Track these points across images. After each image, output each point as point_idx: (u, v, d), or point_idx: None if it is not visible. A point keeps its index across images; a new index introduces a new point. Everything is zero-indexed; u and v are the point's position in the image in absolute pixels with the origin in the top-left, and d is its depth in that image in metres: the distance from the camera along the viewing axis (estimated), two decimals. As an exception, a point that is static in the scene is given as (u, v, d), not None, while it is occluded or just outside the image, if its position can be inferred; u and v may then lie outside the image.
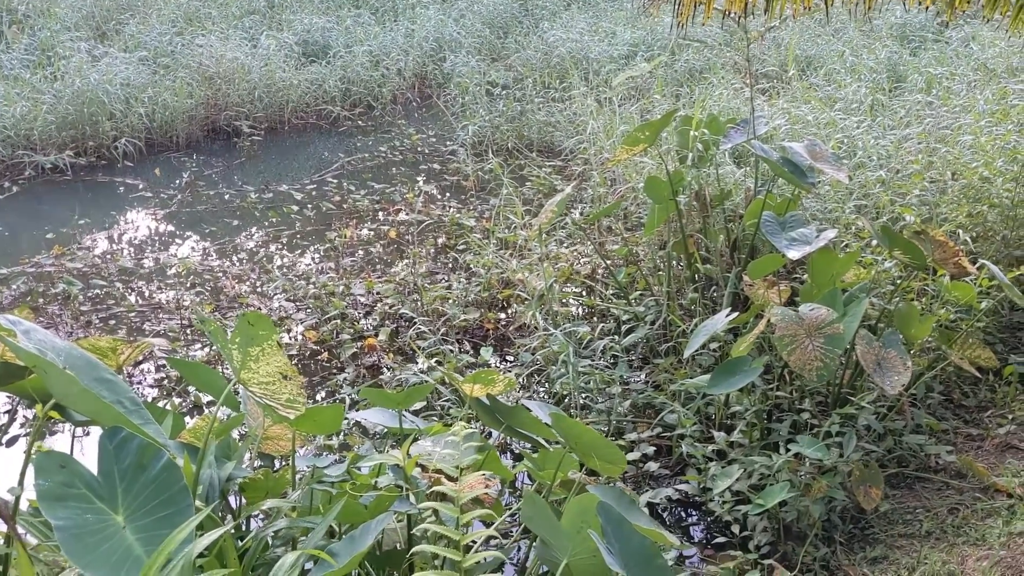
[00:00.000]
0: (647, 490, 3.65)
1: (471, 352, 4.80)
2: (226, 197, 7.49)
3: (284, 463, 3.17)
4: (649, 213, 4.79)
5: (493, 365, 4.77)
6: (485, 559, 2.11)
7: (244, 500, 2.76)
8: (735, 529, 3.39)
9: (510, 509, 2.90)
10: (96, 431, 3.11)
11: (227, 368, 3.97)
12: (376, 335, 4.98)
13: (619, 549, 2.09)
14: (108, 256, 6.30)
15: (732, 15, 4.34)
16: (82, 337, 4.17)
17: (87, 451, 4.01)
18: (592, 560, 2.10)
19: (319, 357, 4.92)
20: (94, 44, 9.65)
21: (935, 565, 3.04)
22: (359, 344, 4.92)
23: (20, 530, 2.19)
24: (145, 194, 7.57)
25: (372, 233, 6.60)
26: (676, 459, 3.89)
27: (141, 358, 4.87)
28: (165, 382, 4.72)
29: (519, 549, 3.29)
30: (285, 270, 6.01)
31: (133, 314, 5.43)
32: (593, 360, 4.43)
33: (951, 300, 3.99)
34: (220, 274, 5.99)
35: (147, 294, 5.77)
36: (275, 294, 5.62)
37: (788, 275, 4.60)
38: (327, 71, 9.84)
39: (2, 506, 2.03)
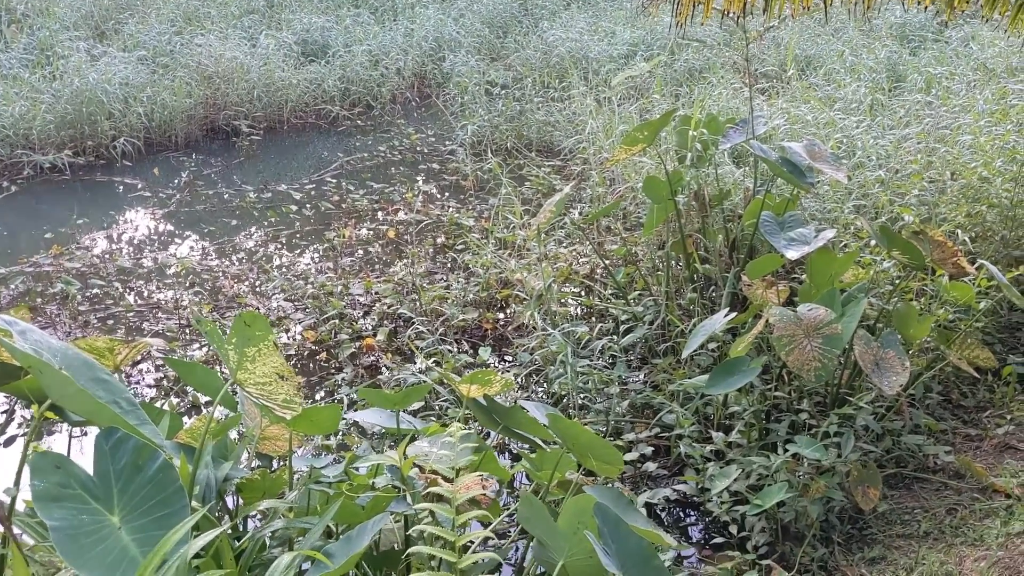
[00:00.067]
0: (645, 490, 3.65)
1: (469, 352, 4.80)
2: (225, 197, 7.49)
3: (282, 463, 3.16)
4: (648, 213, 4.79)
5: (491, 365, 4.77)
6: (481, 560, 2.11)
7: (241, 500, 2.76)
8: (733, 529, 3.38)
9: (508, 509, 2.90)
10: (94, 431, 3.11)
11: (225, 368, 3.98)
12: (374, 335, 4.98)
13: (616, 550, 2.09)
14: (106, 256, 6.29)
15: (731, 15, 4.33)
16: (80, 337, 4.17)
17: (86, 451, 4.01)
18: (589, 561, 2.10)
19: (317, 357, 4.91)
20: (93, 43, 9.65)
21: (933, 565, 3.03)
22: (357, 344, 4.91)
23: (16, 531, 2.19)
24: (144, 194, 7.57)
25: (371, 233, 6.60)
26: (674, 459, 3.89)
27: (139, 358, 4.86)
28: (164, 382, 4.71)
29: (517, 549, 3.28)
30: (284, 270, 6.01)
31: (131, 314, 5.43)
32: (591, 360, 4.42)
33: (950, 300, 3.99)
34: (219, 274, 5.99)
35: (146, 294, 5.77)
36: (273, 294, 5.62)
37: (787, 275, 4.60)
38: (326, 71, 9.84)
39: (-2, 507, 2.03)
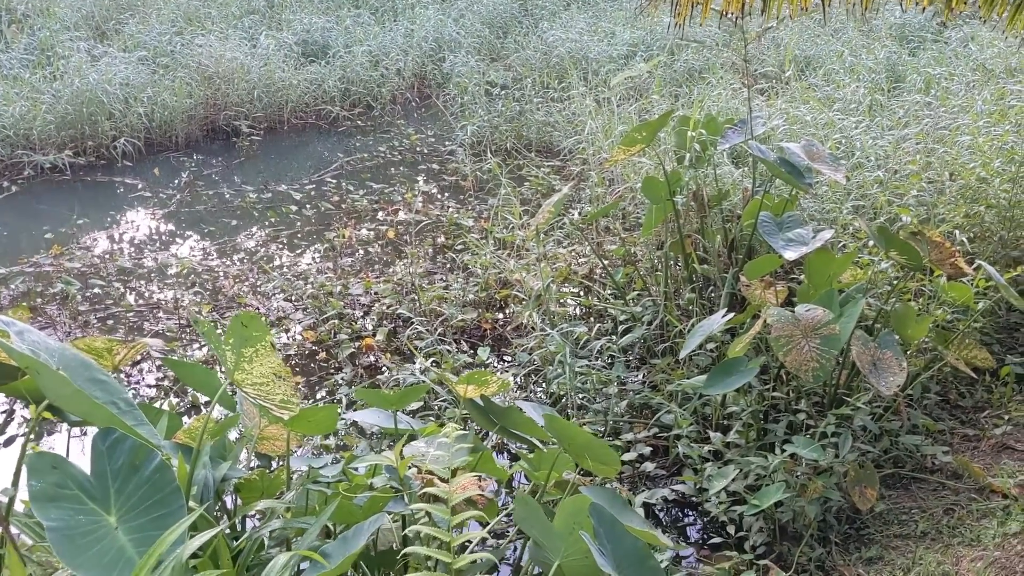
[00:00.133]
0: (643, 490, 3.65)
1: (469, 352, 4.80)
2: (225, 197, 7.50)
3: (281, 463, 3.17)
4: (646, 213, 4.79)
5: (490, 365, 4.78)
6: (477, 560, 2.11)
7: (240, 500, 2.77)
8: (731, 529, 3.39)
9: (507, 509, 2.90)
10: (94, 431, 3.12)
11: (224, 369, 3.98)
12: (374, 335, 4.99)
13: (611, 550, 2.09)
14: (106, 256, 6.30)
15: (729, 15, 4.34)
16: (80, 337, 4.18)
17: (86, 451, 4.01)
18: (584, 561, 2.11)
19: (317, 357, 4.92)
20: (93, 44, 9.65)
21: (930, 566, 3.04)
22: (357, 344, 4.92)
23: (15, 531, 2.19)
24: (144, 194, 7.58)
25: (371, 233, 6.61)
26: (672, 459, 3.89)
27: (139, 358, 4.87)
28: (164, 382, 4.72)
29: (515, 549, 3.29)
30: (283, 270, 6.01)
31: (131, 314, 5.44)
32: (590, 360, 4.43)
33: (948, 301, 3.99)
34: (219, 274, 6.00)
35: (146, 294, 5.78)
36: (273, 294, 5.63)
37: (786, 276, 4.60)
38: (326, 71, 9.84)
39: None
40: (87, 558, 1.83)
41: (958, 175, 5.01)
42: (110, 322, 5.33)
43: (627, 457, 3.80)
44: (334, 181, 7.84)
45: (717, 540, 3.43)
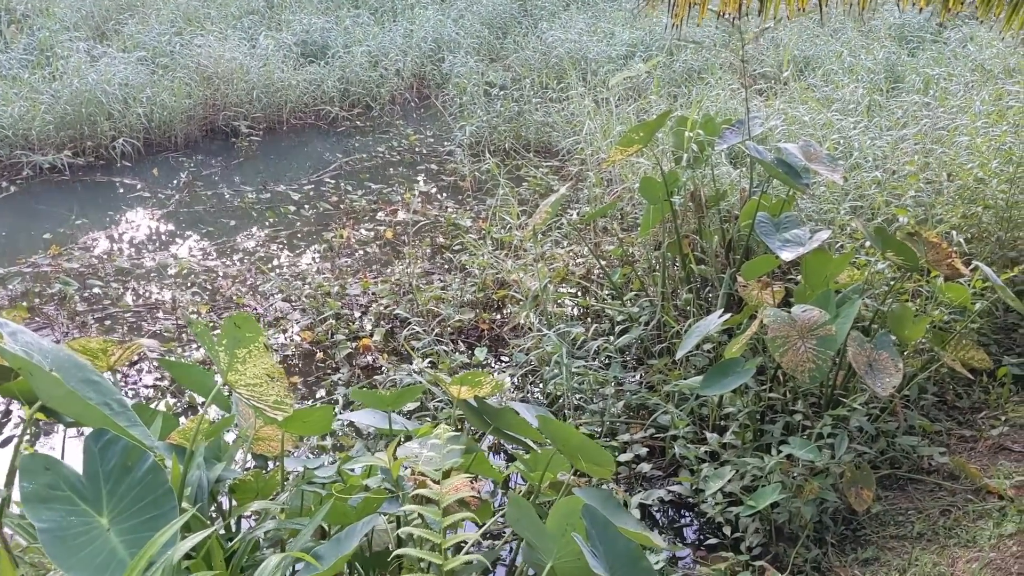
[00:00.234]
0: (640, 491, 3.65)
1: (466, 352, 4.80)
2: (224, 197, 7.50)
3: (277, 464, 3.17)
4: (644, 214, 4.79)
5: (488, 365, 4.78)
6: (474, 561, 2.11)
7: (235, 501, 2.76)
8: (727, 530, 3.39)
9: (501, 510, 2.90)
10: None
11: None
12: (371, 335, 4.98)
13: (604, 552, 2.09)
14: (105, 256, 6.30)
15: (727, 16, 4.33)
16: (78, 337, 4.17)
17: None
18: (577, 563, 2.10)
19: (315, 357, 4.92)
20: (93, 44, 9.65)
21: (926, 567, 3.04)
22: (354, 344, 4.92)
23: (9, 532, 2.19)
24: (143, 194, 7.58)
25: (370, 234, 6.61)
26: (669, 460, 3.89)
27: (136, 358, 4.87)
28: (162, 382, 4.72)
29: (511, 550, 3.29)
30: (281, 270, 6.01)
31: (129, 314, 5.44)
32: (587, 361, 4.43)
33: (945, 301, 3.99)
34: (217, 274, 6.00)
35: (144, 294, 5.78)
36: (272, 294, 5.63)
37: (783, 276, 4.60)
38: (326, 71, 9.84)
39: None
40: (79, 559, 1.83)
41: (956, 176, 5.01)
42: (108, 322, 5.33)
43: (623, 458, 3.80)
44: (333, 181, 7.85)
45: (713, 541, 3.43)
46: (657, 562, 3.13)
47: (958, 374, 4.00)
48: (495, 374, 4.70)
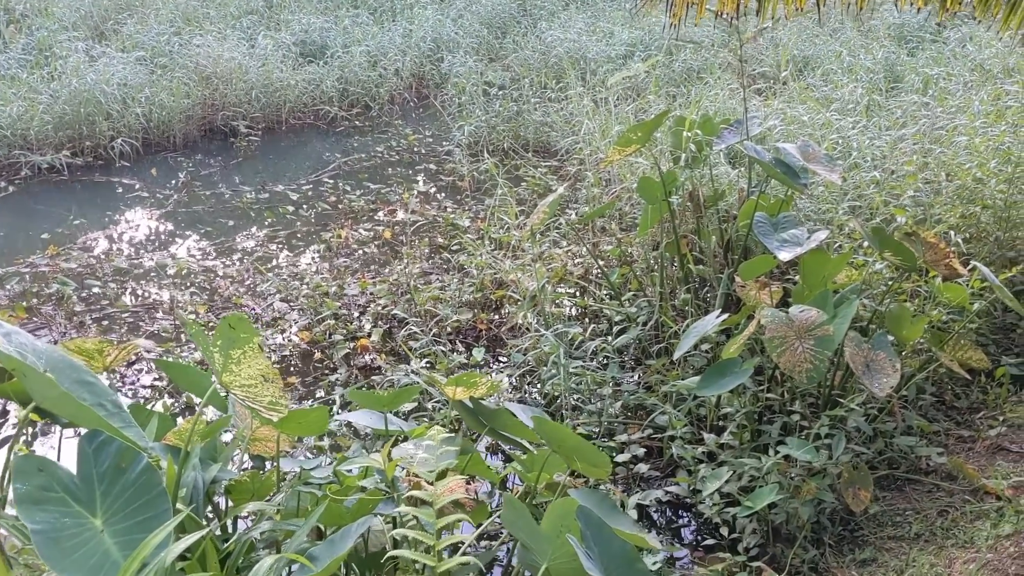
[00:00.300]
0: (637, 492, 3.65)
1: (464, 353, 4.80)
2: (223, 197, 7.49)
3: (274, 464, 3.17)
4: (642, 214, 4.78)
5: (485, 366, 4.77)
6: (464, 563, 2.10)
7: (231, 502, 2.76)
8: (724, 531, 3.39)
9: (498, 511, 2.90)
10: (84, 433, 3.11)
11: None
12: (369, 336, 4.98)
13: (598, 553, 2.08)
14: (103, 256, 6.30)
15: (724, 15, 4.33)
16: (75, 338, 4.17)
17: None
18: (572, 564, 2.10)
19: (313, 357, 4.92)
20: (91, 44, 9.65)
21: (923, 568, 3.03)
22: (352, 345, 4.91)
23: (3, 533, 2.19)
24: (141, 194, 7.57)
25: (368, 234, 6.60)
26: (667, 461, 3.89)
27: (134, 359, 4.87)
28: (160, 383, 4.72)
29: (508, 550, 3.28)
30: (279, 270, 6.01)
31: (127, 315, 5.43)
32: (585, 361, 4.42)
33: (943, 301, 3.98)
34: (215, 275, 5.99)
35: (142, 295, 5.77)
36: (269, 295, 5.62)
37: (781, 276, 4.59)
38: (324, 71, 9.84)
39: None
40: (72, 561, 1.82)
41: (954, 175, 5.00)
42: (106, 323, 5.33)
43: (621, 458, 3.79)
44: (331, 181, 7.84)
45: (711, 542, 3.43)
46: (655, 563, 3.12)
47: (956, 374, 4.00)
48: (493, 374, 4.70)
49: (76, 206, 7.29)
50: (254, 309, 5.47)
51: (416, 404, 4.21)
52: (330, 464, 2.80)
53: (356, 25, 11.10)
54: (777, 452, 3.36)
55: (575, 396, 4.19)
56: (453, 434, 2.52)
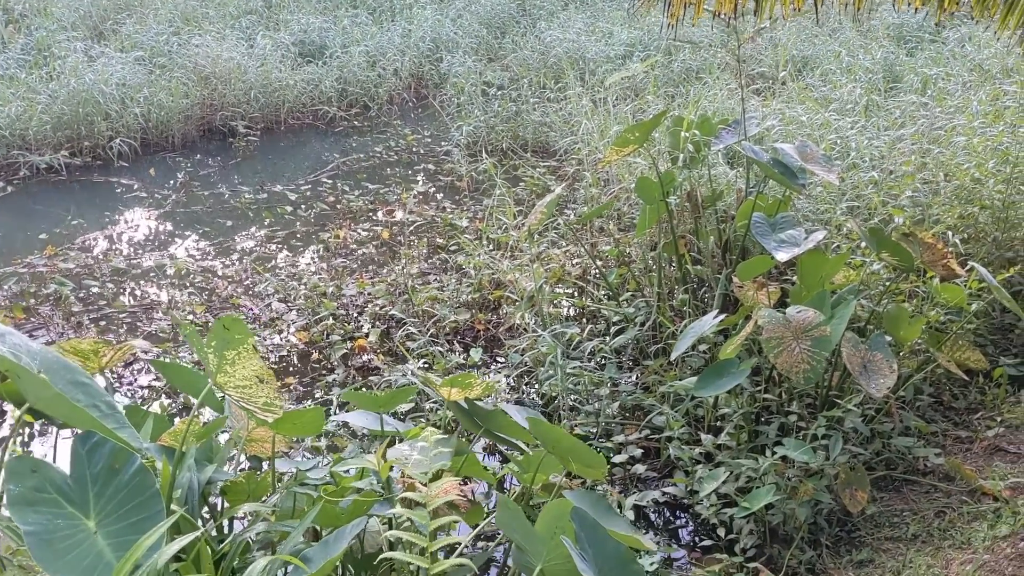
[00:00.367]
0: (634, 492, 3.64)
1: (461, 353, 4.79)
2: (221, 197, 7.49)
3: (271, 465, 3.16)
4: (641, 214, 4.78)
5: (483, 366, 4.77)
6: (457, 565, 2.10)
7: (227, 503, 2.75)
8: (721, 532, 3.38)
9: (494, 512, 2.89)
10: (80, 433, 3.10)
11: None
12: (367, 336, 4.98)
13: (593, 555, 2.08)
14: (101, 256, 6.29)
15: (722, 15, 4.32)
16: (73, 338, 4.16)
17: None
18: (566, 566, 2.09)
19: (311, 358, 4.91)
20: (90, 44, 9.64)
21: (920, 569, 3.03)
22: (350, 345, 4.91)
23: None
24: (140, 194, 7.57)
25: (367, 234, 6.60)
26: (664, 461, 3.88)
27: (131, 359, 4.86)
28: (157, 383, 4.71)
29: (505, 551, 3.28)
30: (277, 271, 6.00)
31: (125, 315, 5.43)
32: (582, 362, 4.42)
33: (941, 302, 3.98)
34: (214, 275, 5.99)
35: (140, 295, 5.77)
36: (267, 295, 5.62)
37: (779, 276, 4.59)
38: (323, 71, 9.83)
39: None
40: (65, 563, 1.82)
41: (953, 176, 5.00)
42: (104, 323, 5.32)
43: (618, 459, 3.79)
44: (330, 181, 7.84)
45: (708, 542, 3.43)
46: (652, 564, 3.12)
47: (954, 375, 3.99)
48: (490, 375, 4.70)
49: (74, 206, 7.28)
50: (252, 309, 5.46)
51: (413, 405, 4.21)
52: (326, 465, 2.79)
53: (355, 25, 11.10)
54: (774, 453, 3.35)
55: (572, 397, 4.19)
56: (448, 435, 2.52)
